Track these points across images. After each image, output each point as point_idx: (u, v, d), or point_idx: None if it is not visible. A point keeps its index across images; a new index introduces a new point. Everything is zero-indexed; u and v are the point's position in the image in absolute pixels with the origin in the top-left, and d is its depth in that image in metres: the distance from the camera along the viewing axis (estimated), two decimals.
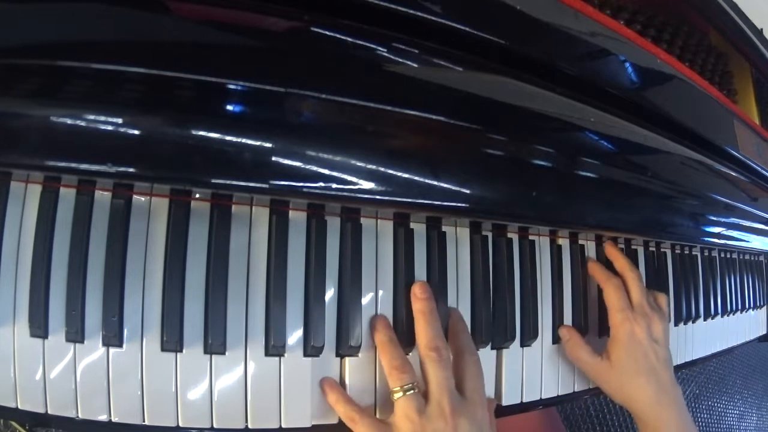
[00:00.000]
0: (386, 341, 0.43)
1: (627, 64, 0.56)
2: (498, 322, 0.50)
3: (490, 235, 0.50)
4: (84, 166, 0.31)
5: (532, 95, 0.48)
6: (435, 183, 0.40)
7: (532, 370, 0.53)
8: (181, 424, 0.37)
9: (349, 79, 0.38)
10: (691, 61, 0.72)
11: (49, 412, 0.35)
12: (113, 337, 0.35)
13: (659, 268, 0.68)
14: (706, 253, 0.79)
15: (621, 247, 0.61)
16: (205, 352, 0.38)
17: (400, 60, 0.41)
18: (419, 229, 0.46)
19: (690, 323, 0.74)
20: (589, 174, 0.50)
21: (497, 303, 0.50)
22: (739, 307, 0.87)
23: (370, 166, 0.37)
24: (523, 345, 0.53)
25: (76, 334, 0.35)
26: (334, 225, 0.43)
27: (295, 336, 0.41)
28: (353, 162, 0.37)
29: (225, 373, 0.39)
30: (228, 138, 0.33)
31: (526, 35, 0.48)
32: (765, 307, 0.98)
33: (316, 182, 0.36)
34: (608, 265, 0.59)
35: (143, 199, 0.38)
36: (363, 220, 0.43)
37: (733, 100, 0.81)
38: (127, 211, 0.37)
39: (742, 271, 0.89)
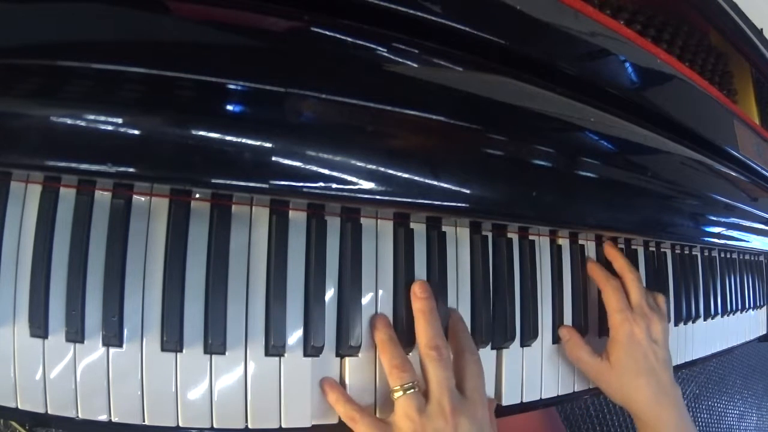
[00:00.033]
0: (386, 340, 0.43)
1: (627, 64, 0.56)
2: (498, 322, 0.50)
3: (490, 235, 0.50)
4: (84, 166, 0.31)
5: (532, 95, 0.48)
6: (435, 183, 0.40)
7: (532, 370, 0.53)
8: (181, 424, 0.37)
9: (349, 79, 0.38)
10: (691, 61, 0.72)
11: (49, 412, 0.35)
12: (113, 337, 0.35)
13: (659, 268, 0.68)
14: (706, 253, 0.79)
15: (621, 247, 0.61)
16: (205, 352, 0.38)
17: (400, 60, 0.41)
18: (419, 229, 0.46)
19: (690, 323, 0.74)
20: (589, 174, 0.50)
21: (497, 303, 0.50)
22: (739, 307, 0.87)
23: (370, 166, 0.37)
24: (523, 345, 0.53)
25: (76, 334, 0.35)
26: (334, 225, 0.43)
27: (295, 336, 0.41)
28: (353, 162, 0.37)
29: (225, 373, 0.39)
30: (228, 138, 0.33)
31: (526, 35, 0.48)
32: (765, 307, 0.98)
33: (316, 182, 0.36)
34: (608, 266, 0.59)
35: (143, 199, 0.38)
36: (363, 220, 0.43)
37: (733, 100, 0.81)
38: (127, 211, 0.37)
39: (742, 271, 0.89)
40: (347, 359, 0.43)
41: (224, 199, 0.39)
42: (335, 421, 0.42)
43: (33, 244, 0.35)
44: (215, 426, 0.38)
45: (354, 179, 0.37)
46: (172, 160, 0.33)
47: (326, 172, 0.36)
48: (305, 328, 0.41)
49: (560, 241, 0.56)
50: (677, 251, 0.72)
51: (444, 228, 0.48)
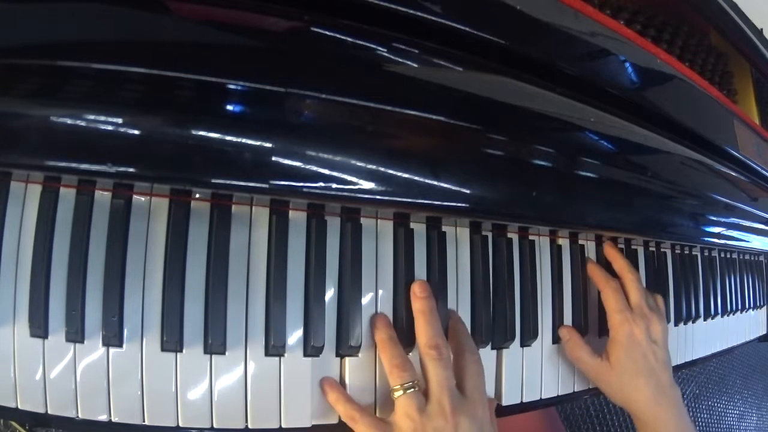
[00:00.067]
0: (386, 339, 0.43)
1: (627, 64, 0.56)
2: (498, 322, 0.50)
3: (490, 235, 0.50)
4: (84, 166, 0.31)
5: (532, 95, 0.48)
6: (435, 183, 0.40)
7: (532, 370, 0.53)
8: (181, 424, 0.37)
9: (349, 79, 0.38)
10: (691, 61, 0.72)
11: (49, 412, 0.35)
12: (113, 337, 0.35)
13: (659, 268, 0.68)
14: (706, 253, 0.79)
15: (621, 247, 0.61)
16: (205, 352, 0.38)
17: (400, 60, 0.41)
18: (419, 229, 0.46)
19: (690, 323, 0.74)
20: (589, 174, 0.50)
21: (497, 303, 0.50)
22: (739, 307, 0.87)
23: (370, 166, 0.37)
24: (523, 345, 0.53)
25: (76, 334, 0.35)
26: (334, 225, 0.43)
27: (295, 336, 0.41)
28: (353, 162, 0.37)
29: (225, 373, 0.39)
30: (228, 138, 0.33)
31: (526, 35, 0.48)
32: (765, 307, 0.98)
33: (316, 182, 0.36)
34: (608, 266, 0.59)
35: (143, 199, 0.38)
36: (363, 220, 0.43)
37: (733, 100, 0.81)
38: (127, 211, 0.37)
39: (742, 271, 0.89)
40: (347, 359, 0.43)
41: (224, 199, 0.39)
42: (335, 421, 0.42)
43: (33, 244, 0.35)
44: (215, 426, 0.38)
45: (354, 179, 0.37)
46: (172, 160, 0.33)
47: (326, 172, 0.36)
48: (305, 328, 0.41)
49: (560, 241, 0.56)
50: (677, 251, 0.72)
51: (444, 228, 0.48)
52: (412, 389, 0.41)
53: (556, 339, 0.55)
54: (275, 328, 0.39)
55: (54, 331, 0.35)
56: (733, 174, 0.70)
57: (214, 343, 0.37)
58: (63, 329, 0.35)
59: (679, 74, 0.63)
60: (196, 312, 0.38)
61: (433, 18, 0.42)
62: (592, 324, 0.58)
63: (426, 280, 0.46)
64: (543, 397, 0.54)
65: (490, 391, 0.50)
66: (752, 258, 0.94)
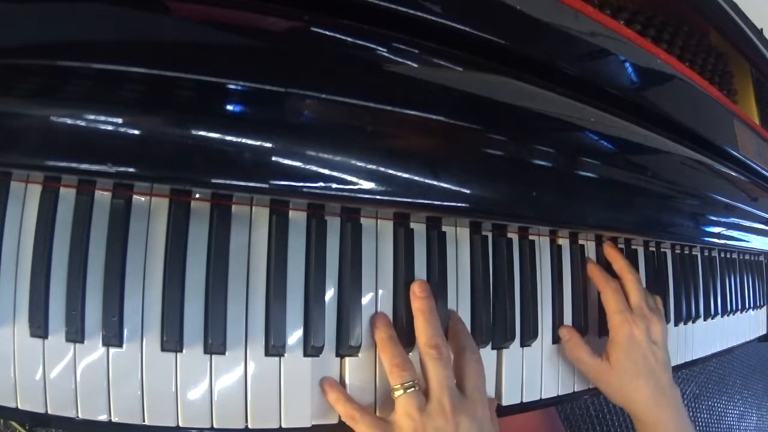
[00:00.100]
0: (387, 339, 0.43)
1: (627, 64, 0.56)
2: (498, 322, 0.50)
3: (490, 235, 0.50)
4: (84, 166, 0.31)
5: (532, 95, 0.48)
6: (435, 183, 0.40)
7: (532, 370, 0.53)
8: (181, 424, 0.37)
9: (349, 79, 0.38)
10: (691, 61, 0.72)
11: (49, 412, 0.35)
12: (113, 337, 0.35)
13: (659, 268, 0.68)
14: (706, 253, 0.79)
15: (621, 247, 0.61)
16: (205, 352, 0.38)
17: (400, 60, 0.41)
18: (419, 229, 0.46)
19: (690, 323, 0.74)
20: (589, 174, 0.50)
21: (497, 303, 0.50)
22: (739, 307, 0.87)
23: (370, 166, 0.37)
24: (523, 345, 0.53)
25: (76, 334, 0.35)
26: (334, 225, 0.43)
27: (295, 336, 0.41)
28: (353, 162, 0.37)
29: (225, 373, 0.39)
30: (228, 138, 0.33)
31: (526, 35, 0.48)
32: (765, 307, 0.98)
33: (316, 182, 0.36)
34: (607, 267, 0.59)
35: (143, 199, 0.38)
36: (363, 220, 0.43)
37: (733, 100, 0.81)
38: (127, 211, 0.37)
39: (742, 271, 0.89)
40: (347, 359, 0.43)
41: (224, 199, 0.39)
42: (335, 421, 0.42)
43: (33, 244, 0.35)
44: (215, 426, 0.38)
45: (354, 179, 0.37)
46: (172, 160, 0.33)
47: (326, 172, 0.36)
48: (305, 328, 0.41)
49: (560, 241, 0.56)
50: (677, 251, 0.72)
51: (444, 228, 0.48)
52: (413, 388, 0.41)
53: (556, 339, 0.55)
54: (275, 328, 0.39)
55: (54, 331, 0.35)
56: (733, 174, 0.70)
57: (214, 343, 0.37)
58: (63, 329, 0.35)
59: (679, 74, 0.63)
60: (196, 312, 0.38)
61: (433, 18, 0.42)
62: (592, 324, 0.58)
63: (426, 280, 0.46)
64: (543, 397, 0.54)
65: (490, 390, 0.50)
66: (752, 258, 0.94)
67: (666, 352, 0.55)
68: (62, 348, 0.35)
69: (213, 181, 0.34)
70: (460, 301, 0.48)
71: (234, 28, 0.36)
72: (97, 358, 0.36)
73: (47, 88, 0.30)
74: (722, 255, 0.84)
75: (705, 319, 0.77)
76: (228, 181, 0.34)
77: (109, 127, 0.31)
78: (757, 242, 0.75)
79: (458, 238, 0.49)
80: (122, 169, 0.31)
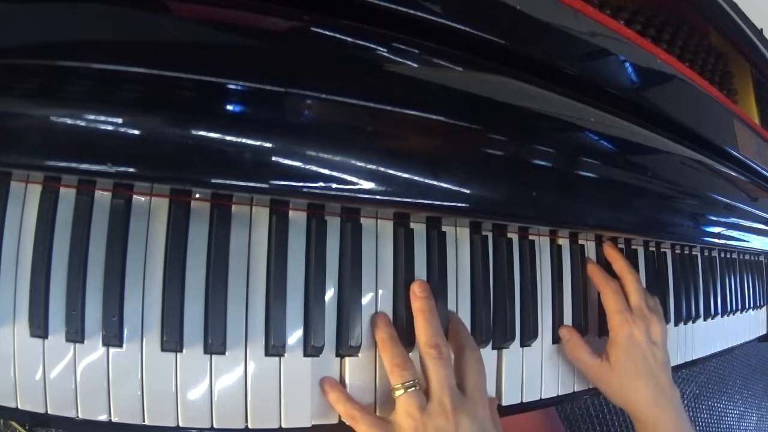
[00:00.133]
0: (387, 338, 0.43)
1: (627, 64, 0.56)
2: (498, 322, 0.50)
3: (490, 235, 0.50)
4: (84, 166, 0.31)
5: (532, 95, 0.48)
6: (435, 183, 0.40)
7: (532, 370, 0.53)
8: (181, 424, 0.37)
9: (349, 79, 0.38)
10: (691, 61, 0.72)
11: (49, 412, 0.35)
12: (113, 337, 0.35)
13: (659, 268, 0.68)
14: (706, 253, 0.79)
15: (621, 247, 0.61)
16: (205, 352, 0.38)
17: (400, 60, 0.41)
18: (419, 229, 0.46)
19: (690, 323, 0.74)
20: (589, 174, 0.50)
21: (497, 303, 0.50)
22: (739, 307, 0.87)
23: (370, 166, 0.37)
24: (523, 345, 0.53)
25: (76, 334, 0.35)
26: (334, 225, 0.43)
27: (295, 336, 0.41)
28: (353, 162, 0.37)
29: (225, 373, 0.39)
30: (228, 138, 0.33)
31: (526, 35, 0.48)
32: (765, 307, 0.98)
33: (316, 182, 0.36)
34: (607, 267, 0.59)
35: (143, 199, 0.38)
36: (363, 220, 0.43)
37: (733, 100, 0.81)
38: (127, 211, 0.37)
39: (742, 271, 0.89)
40: (347, 359, 0.43)
41: (224, 199, 0.39)
42: (335, 421, 0.42)
43: (33, 244, 0.35)
44: (215, 426, 0.38)
45: (354, 179, 0.37)
46: (172, 160, 0.32)
47: (326, 172, 0.36)
48: (305, 328, 0.41)
49: (560, 241, 0.56)
50: (677, 251, 0.72)
51: (444, 228, 0.48)
52: (413, 388, 0.41)
53: (556, 339, 0.55)
54: (275, 328, 0.39)
55: (54, 331, 0.35)
56: (733, 174, 0.70)
57: (214, 343, 0.37)
58: (63, 329, 0.35)
59: (679, 74, 0.63)
60: (196, 312, 0.38)
61: (433, 18, 0.42)
62: (592, 324, 0.58)
63: (426, 279, 0.46)
64: (543, 397, 0.54)
65: (491, 390, 0.50)
66: (752, 258, 0.94)
67: (665, 352, 0.55)
68: (62, 348, 0.35)
69: (213, 181, 0.34)
70: (460, 301, 0.48)
71: (234, 28, 0.36)
72: (97, 358, 0.36)
73: (47, 88, 0.30)
74: (722, 255, 0.84)
75: (705, 319, 0.77)
76: (228, 181, 0.34)
77: (109, 127, 0.31)
78: (757, 242, 0.75)
79: (458, 238, 0.49)
80: (122, 169, 0.31)
